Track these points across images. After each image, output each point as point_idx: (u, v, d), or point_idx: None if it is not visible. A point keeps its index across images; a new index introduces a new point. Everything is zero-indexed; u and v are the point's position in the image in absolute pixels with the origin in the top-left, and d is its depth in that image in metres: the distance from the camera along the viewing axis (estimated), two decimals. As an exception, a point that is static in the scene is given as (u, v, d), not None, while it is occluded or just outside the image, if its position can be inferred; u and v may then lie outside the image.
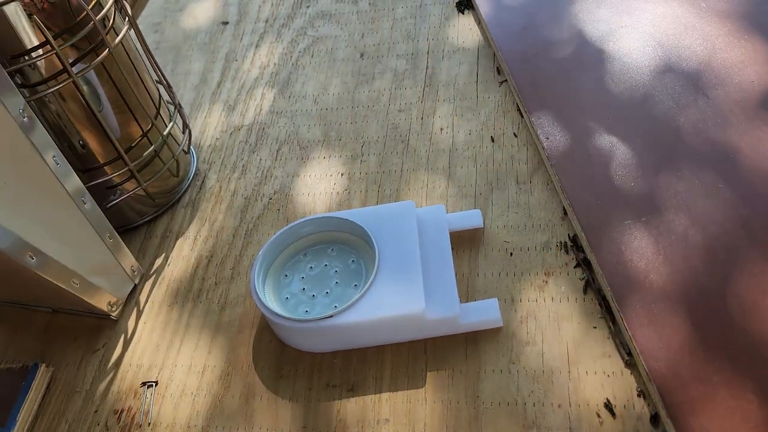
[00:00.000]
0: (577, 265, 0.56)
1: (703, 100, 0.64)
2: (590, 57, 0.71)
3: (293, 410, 0.52)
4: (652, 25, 0.73)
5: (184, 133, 0.72)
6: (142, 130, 0.65)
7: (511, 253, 0.58)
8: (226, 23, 0.93)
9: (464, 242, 0.60)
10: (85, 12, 0.55)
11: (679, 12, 0.73)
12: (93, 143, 0.62)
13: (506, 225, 0.61)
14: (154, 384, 0.56)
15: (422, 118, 0.72)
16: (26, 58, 0.54)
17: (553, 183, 0.63)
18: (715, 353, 0.47)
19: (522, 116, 0.69)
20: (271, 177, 0.71)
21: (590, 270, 0.55)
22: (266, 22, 0.91)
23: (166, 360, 0.58)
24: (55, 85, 0.56)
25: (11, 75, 0.54)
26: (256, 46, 0.88)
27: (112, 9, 0.59)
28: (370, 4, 0.89)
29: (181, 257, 0.66)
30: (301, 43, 0.86)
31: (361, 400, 0.52)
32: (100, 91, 0.60)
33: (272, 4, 0.94)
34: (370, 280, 0.53)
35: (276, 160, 0.73)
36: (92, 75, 0.59)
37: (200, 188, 0.72)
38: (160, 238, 0.68)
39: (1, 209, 0.48)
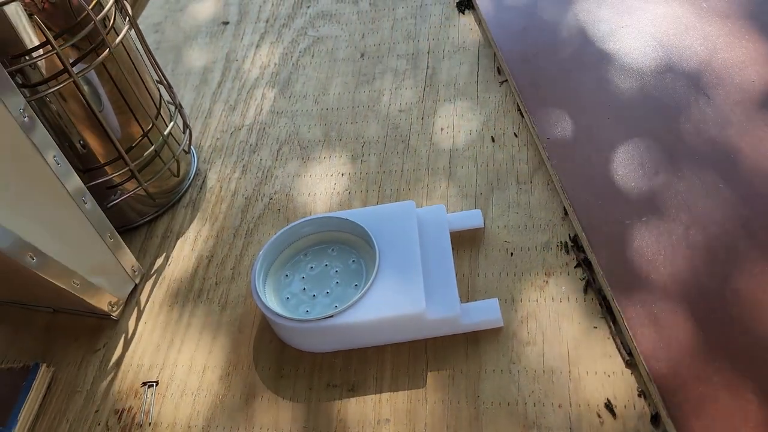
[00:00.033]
0: (578, 265, 0.56)
1: (704, 100, 0.64)
2: (591, 57, 0.71)
3: (294, 410, 0.52)
4: (653, 25, 0.73)
5: (184, 133, 0.72)
6: (143, 130, 0.65)
7: (512, 253, 0.58)
8: (226, 23, 0.93)
9: (465, 242, 0.60)
10: (86, 12, 0.55)
11: (680, 12, 0.73)
12: (93, 143, 0.62)
13: (507, 225, 0.61)
14: (154, 384, 0.56)
15: (423, 118, 0.72)
16: (27, 58, 0.54)
17: (553, 183, 0.63)
18: (716, 353, 0.47)
19: (522, 116, 0.69)
20: (271, 177, 0.71)
21: (591, 270, 0.55)
22: (267, 22, 0.91)
23: (167, 360, 0.58)
24: (56, 85, 0.56)
25: (12, 75, 0.54)
26: (257, 46, 0.88)
27: (113, 9, 0.59)
28: (370, 4, 0.89)
29: (182, 257, 0.66)
30: (302, 43, 0.86)
31: (362, 400, 0.52)
32: (101, 91, 0.60)
33: (273, 4, 0.94)
34: (371, 280, 0.53)
35: (276, 160, 0.73)
36: (93, 75, 0.59)
37: (201, 188, 0.72)
38: (160, 238, 0.68)
39: (2, 209, 0.48)
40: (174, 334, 0.60)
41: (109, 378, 0.58)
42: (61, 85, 0.56)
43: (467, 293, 0.57)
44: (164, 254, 0.66)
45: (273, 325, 0.55)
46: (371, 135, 0.72)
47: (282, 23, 0.90)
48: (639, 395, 0.48)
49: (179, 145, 0.70)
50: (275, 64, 0.84)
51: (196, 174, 0.73)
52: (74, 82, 0.56)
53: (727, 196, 0.56)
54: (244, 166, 0.73)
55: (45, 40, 0.53)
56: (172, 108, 0.71)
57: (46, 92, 0.56)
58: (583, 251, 0.57)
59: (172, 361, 0.58)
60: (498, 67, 0.75)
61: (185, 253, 0.66)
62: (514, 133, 0.68)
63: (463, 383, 0.51)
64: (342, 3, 0.91)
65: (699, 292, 0.51)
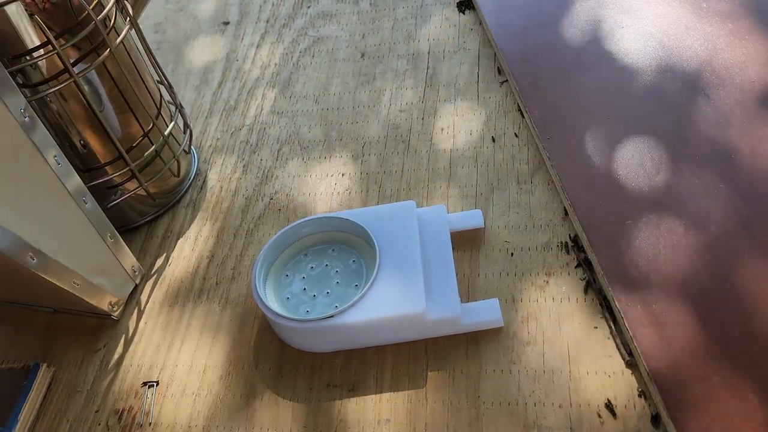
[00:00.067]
0: (578, 265, 0.56)
1: (704, 100, 0.64)
2: (591, 57, 0.71)
3: (294, 410, 0.52)
4: (653, 26, 0.73)
5: (185, 133, 0.72)
6: (143, 130, 0.65)
7: (512, 254, 0.58)
8: (227, 23, 0.93)
9: (465, 242, 0.60)
10: (87, 12, 0.55)
11: (680, 12, 0.73)
12: (94, 143, 0.62)
13: (507, 225, 0.61)
14: (155, 384, 0.56)
15: (423, 119, 0.72)
16: (28, 57, 0.54)
17: (553, 183, 0.63)
18: (716, 353, 0.48)
19: (523, 116, 0.69)
20: (272, 177, 0.71)
21: (591, 270, 0.55)
22: (267, 22, 0.91)
23: (167, 360, 0.58)
24: (57, 85, 0.56)
25: (13, 75, 0.54)
26: (257, 47, 0.88)
27: (114, 9, 0.59)
28: (370, 4, 0.89)
29: (182, 257, 0.66)
30: (302, 43, 0.86)
31: (362, 400, 0.52)
32: (101, 91, 0.60)
33: (273, 5, 0.94)
34: (371, 280, 0.53)
35: (277, 160, 0.73)
36: (93, 75, 0.59)
37: (201, 188, 0.72)
38: (161, 238, 0.68)
39: (2, 209, 0.48)
40: (174, 334, 0.60)
41: (109, 378, 0.58)
42: (62, 85, 0.56)
43: (467, 293, 0.57)
44: (164, 254, 0.66)
45: (273, 325, 0.55)
46: (372, 135, 0.72)
47: (282, 23, 0.90)
48: (639, 395, 0.48)
49: (180, 145, 0.70)
50: (276, 64, 0.84)
51: (197, 174, 0.74)
52: (75, 82, 0.56)
53: (727, 196, 0.56)
54: (244, 166, 0.73)
55: (46, 40, 0.54)
56: (173, 108, 0.71)
57: (47, 92, 0.56)
58: (584, 251, 0.57)
59: (172, 361, 0.58)
60: (498, 67, 0.75)
61: (185, 253, 0.66)
62: (515, 133, 0.68)
63: (464, 383, 0.51)
64: (342, 3, 0.91)
65: (699, 292, 0.51)
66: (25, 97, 0.51)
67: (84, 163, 0.62)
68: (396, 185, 0.67)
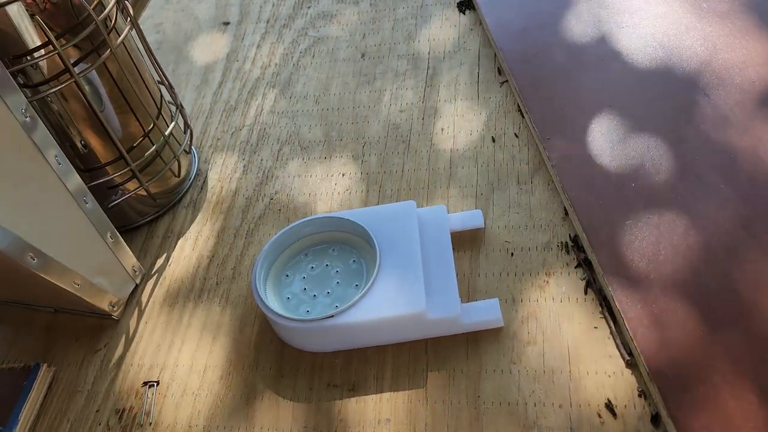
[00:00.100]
0: (578, 265, 0.56)
1: (704, 100, 0.64)
2: (591, 57, 0.72)
3: (294, 410, 0.52)
4: (653, 26, 0.73)
5: (185, 133, 0.72)
6: (144, 130, 0.65)
7: (512, 254, 0.58)
8: (227, 24, 0.93)
9: (465, 242, 0.60)
10: (87, 12, 0.55)
11: (680, 12, 0.73)
12: (95, 143, 0.62)
13: (507, 225, 0.61)
14: (155, 384, 0.57)
15: (423, 119, 0.72)
16: (28, 58, 0.54)
17: (554, 183, 0.63)
18: (716, 353, 0.48)
19: (523, 116, 0.69)
20: (272, 177, 0.71)
21: (591, 270, 0.55)
22: (267, 22, 0.91)
23: (168, 360, 0.58)
24: (57, 85, 0.56)
25: (13, 75, 0.54)
26: (258, 47, 0.88)
27: (114, 9, 0.59)
28: (371, 4, 0.89)
29: (183, 257, 0.66)
30: (302, 43, 0.86)
31: (362, 400, 0.52)
32: (102, 91, 0.60)
33: (273, 5, 0.94)
34: (371, 280, 0.53)
35: (277, 160, 0.73)
36: (94, 75, 0.59)
37: (201, 188, 0.72)
38: (161, 238, 0.68)
39: (2, 209, 0.48)
40: (174, 334, 0.60)
41: (109, 378, 0.58)
42: (63, 85, 0.56)
43: (468, 293, 0.57)
44: (165, 254, 0.66)
45: (273, 325, 0.55)
46: (372, 135, 0.72)
47: (282, 23, 0.90)
48: (639, 395, 0.48)
49: (180, 145, 0.70)
50: (276, 64, 0.84)
51: (197, 174, 0.74)
52: (76, 82, 0.56)
53: (727, 196, 0.56)
54: (244, 166, 0.73)
55: (47, 40, 0.54)
56: (173, 108, 0.71)
57: (48, 92, 0.56)
58: (584, 251, 0.57)
59: (172, 361, 0.58)
60: (498, 68, 0.76)
61: (186, 253, 0.66)
62: (515, 134, 0.68)
63: (464, 383, 0.51)
64: (342, 3, 0.91)
65: (699, 292, 0.51)
66: (26, 97, 0.51)
67: (85, 163, 0.62)
68: (396, 185, 0.67)
